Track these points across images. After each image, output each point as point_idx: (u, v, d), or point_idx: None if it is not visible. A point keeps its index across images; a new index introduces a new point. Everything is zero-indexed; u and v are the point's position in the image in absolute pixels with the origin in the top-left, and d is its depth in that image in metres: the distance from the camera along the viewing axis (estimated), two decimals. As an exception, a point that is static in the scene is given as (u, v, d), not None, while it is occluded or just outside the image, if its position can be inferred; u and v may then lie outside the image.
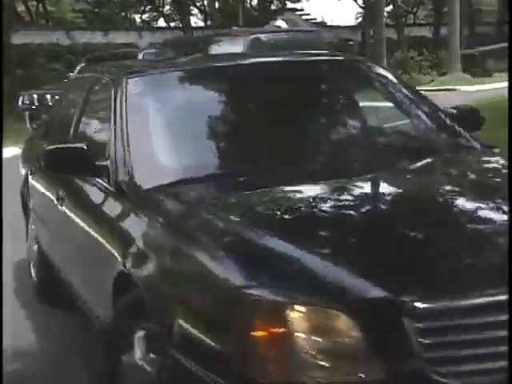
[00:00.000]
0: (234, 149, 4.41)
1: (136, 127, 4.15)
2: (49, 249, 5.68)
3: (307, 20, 36.38)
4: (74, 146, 4.18)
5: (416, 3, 41.15)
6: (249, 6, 36.69)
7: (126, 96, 4.29)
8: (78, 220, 4.45)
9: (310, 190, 3.63)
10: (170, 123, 4.48)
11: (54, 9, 34.53)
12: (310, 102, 4.81)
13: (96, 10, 36.01)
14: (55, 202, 4.92)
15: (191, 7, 36.97)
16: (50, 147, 4.07)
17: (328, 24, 35.82)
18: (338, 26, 35.45)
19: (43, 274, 5.99)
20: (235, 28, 19.68)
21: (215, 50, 13.14)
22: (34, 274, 6.31)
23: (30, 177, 6.12)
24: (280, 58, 5.62)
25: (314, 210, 3.40)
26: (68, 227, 4.75)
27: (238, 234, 3.18)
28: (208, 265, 3.02)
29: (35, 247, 6.15)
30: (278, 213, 3.38)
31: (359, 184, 3.71)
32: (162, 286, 3.24)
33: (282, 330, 2.67)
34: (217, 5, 36.27)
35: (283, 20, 36.13)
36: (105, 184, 4.02)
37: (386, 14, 30.09)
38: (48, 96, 16.47)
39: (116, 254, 3.59)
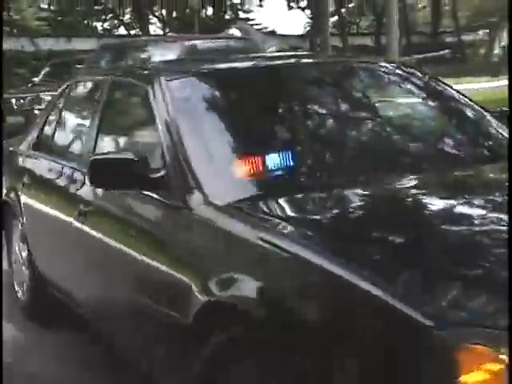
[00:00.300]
0: (314, 155, 3.81)
1: (193, 134, 3.60)
2: (53, 271, 5.02)
3: (259, 29, 36.66)
4: (125, 156, 3.46)
5: (358, 15, 41.86)
6: (204, 15, 37.00)
7: (171, 100, 3.72)
8: (115, 241, 3.77)
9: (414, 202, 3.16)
10: (232, 128, 3.89)
11: (18, 17, 34.56)
12: (367, 104, 4.33)
13: (60, 18, 36.12)
14: (72, 218, 4.28)
15: (150, 16, 37.40)
16: (97, 158, 3.45)
17: (279, 33, 36.49)
18: (289, 35, 35.91)
19: (39, 297, 5.30)
20: (171, 34, 19.86)
21: (151, 54, 11.92)
22: (21, 295, 5.65)
23: (19, 193, 5.39)
24: (321, 60, 5.16)
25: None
26: (96, 248, 4.06)
27: (381, 251, 2.60)
28: (359, 285, 2.38)
29: (26, 269, 5.44)
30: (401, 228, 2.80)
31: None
32: (294, 309, 2.57)
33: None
34: (174, 14, 36.85)
35: (237, 28, 36.48)
36: (161, 199, 3.39)
37: (331, 24, 30.33)
38: (13, 100, 16.21)
39: (192, 284, 2.97)
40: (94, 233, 4.00)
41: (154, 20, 39.23)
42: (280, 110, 4.22)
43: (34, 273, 5.24)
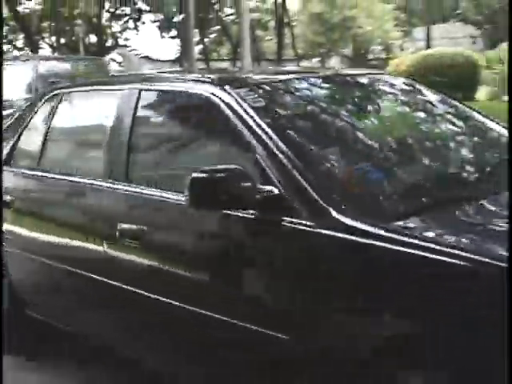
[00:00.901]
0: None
1: (299, 148, 2.91)
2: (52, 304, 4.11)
3: (136, 54, 36.83)
4: (231, 172, 2.68)
5: (219, 44, 42.21)
6: (88, 42, 36.28)
7: (252, 110, 3.01)
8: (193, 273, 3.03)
9: None
10: (330, 140, 3.22)
11: None
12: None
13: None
14: (103, 244, 3.42)
15: (40, 42, 36.98)
16: (200, 176, 2.63)
17: (153, 58, 36.27)
18: (161, 60, 35.86)
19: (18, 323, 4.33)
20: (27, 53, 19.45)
21: (10, 70, 11.85)
22: None
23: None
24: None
25: None
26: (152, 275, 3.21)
27: None
28: None
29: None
30: None
31: None
32: None
33: None
34: (63, 40, 36.65)
35: (118, 54, 36.74)
36: (278, 220, 2.66)
37: (197, 51, 30.75)
38: None
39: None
40: (149, 261, 3.25)
41: (45, 45, 37.82)
42: (356, 120, 3.52)
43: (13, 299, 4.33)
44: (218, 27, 38.01)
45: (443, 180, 3.10)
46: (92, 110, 4.22)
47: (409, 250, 2.33)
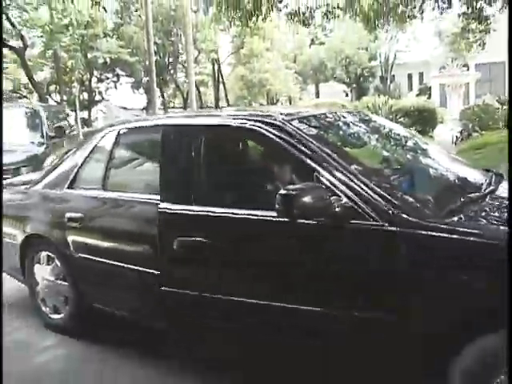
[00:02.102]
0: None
1: (358, 165, 2.65)
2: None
3: (115, 105, 36.38)
4: (313, 188, 2.44)
5: (174, 97, 41.81)
6: (82, 98, 35.07)
7: (311, 138, 2.72)
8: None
9: None
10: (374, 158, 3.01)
11: None
12: None
13: None
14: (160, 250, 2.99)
15: (49, 99, 36.23)
16: (289, 192, 2.37)
17: (128, 107, 36.06)
18: (134, 108, 35.75)
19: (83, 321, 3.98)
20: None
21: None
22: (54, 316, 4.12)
23: (66, 231, 3.76)
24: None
25: None
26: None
27: None
28: None
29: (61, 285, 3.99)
30: None
31: None
32: None
33: None
34: (64, 97, 36.25)
35: (103, 106, 36.06)
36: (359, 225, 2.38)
37: (159, 103, 30.12)
38: None
39: None
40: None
41: (52, 102, 37.13)
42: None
43: (80, 302, 3.87)
44: (173, 85, 37.83)
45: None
46: (148, 142, 3.70)
47: (464, 238, 2.17)
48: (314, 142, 2.71)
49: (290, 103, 37.65)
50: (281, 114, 3.06)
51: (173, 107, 40.61)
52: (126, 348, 3.73)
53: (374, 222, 2.37)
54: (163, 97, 36.52)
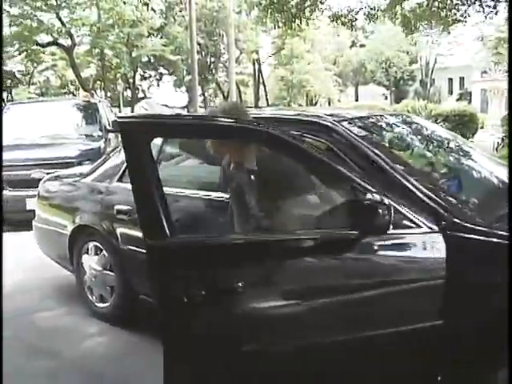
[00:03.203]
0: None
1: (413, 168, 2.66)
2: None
3: (158, 103, 35.92)
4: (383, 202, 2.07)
5: (214, 96, 42.10)
6: (126, 95, 35.70)
7: (367, 143, 2.66)
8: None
9: None
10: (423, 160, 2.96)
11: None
12: None
13: None
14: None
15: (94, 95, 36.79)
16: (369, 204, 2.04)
17: (169, 105, 35.53)
18: (175, 106, 35.19)
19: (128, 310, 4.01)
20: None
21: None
22: (100, 304, 4.16)
23: (115, 224, 3.81)
24: None
25: None
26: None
27: None
28: None
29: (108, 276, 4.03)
30: None
31: None
32: None
33: None
34: (109, 94, 36.95)
35: (146, 103, 35.57)
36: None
37: (200, 101, 30.06)
38: None
39: None
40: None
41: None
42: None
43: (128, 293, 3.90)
44: (214, 84, 37.78)
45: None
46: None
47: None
48: (365, 144, 2.66)
49: (329, 105, 37.47)
50: (326, 115, 3.02)
51: (213, 106, 40.69)
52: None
53: (427, 227, 2.25)
54: (204, 95, 36.59)
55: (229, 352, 2.15)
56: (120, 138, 2.15)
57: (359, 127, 2.90)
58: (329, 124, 2.77)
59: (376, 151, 2.61)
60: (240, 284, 2.04)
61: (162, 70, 36.13)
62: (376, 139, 2.95)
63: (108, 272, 4.12)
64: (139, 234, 3.28)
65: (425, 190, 2.39)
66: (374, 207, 2.04)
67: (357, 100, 39.81)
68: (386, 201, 2.09)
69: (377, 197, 2.09)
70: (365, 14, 13.74)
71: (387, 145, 3.00)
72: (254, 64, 38.95)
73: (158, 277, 2.12)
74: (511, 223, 2.14)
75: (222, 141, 2.56)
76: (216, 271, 2.11)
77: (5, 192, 7.30)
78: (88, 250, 4.25)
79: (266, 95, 39.53)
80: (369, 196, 2.07)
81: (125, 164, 3.77)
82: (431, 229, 2.25)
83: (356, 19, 14.09)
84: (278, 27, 14.70)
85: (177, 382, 2.17)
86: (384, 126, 3.37)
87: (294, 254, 2.19)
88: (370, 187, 2.16)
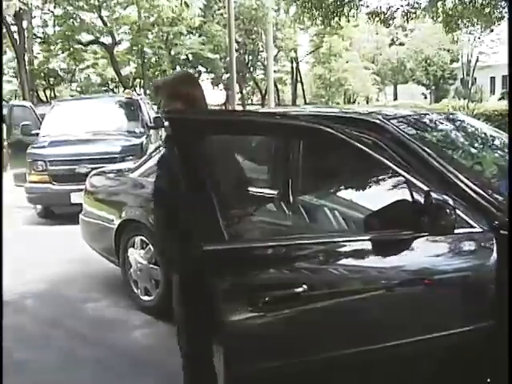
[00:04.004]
0: None
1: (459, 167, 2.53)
2: None
3: None
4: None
5: (252, 94, 42.24)
6: None
7: (406, 138, 2.60)
8: None
9: None
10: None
11: None
12: None
13: None
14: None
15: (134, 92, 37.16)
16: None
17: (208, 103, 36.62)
18: (213, 104, 33.41)
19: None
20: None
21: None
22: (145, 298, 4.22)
23: None
24: None
25: None
26: None
27: None
28: None
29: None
30: None
31: None
32: None
33: None
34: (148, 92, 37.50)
35: None
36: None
37: (237, 99, 29.35)
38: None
39: None
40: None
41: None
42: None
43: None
44: (252, 82, 37.76)
45: None
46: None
47: None
48: (416, 142, 2.60)
49: (367, 104, 37.13)
50: (374, 112, 2.99)
51: (251, 104, 40.88)
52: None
53: (479, 228, 2.19)
54: (242, 93, 36.32)
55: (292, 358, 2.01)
56: (162, 134, 2.04)
57: (408, 125, 2.85)
58: (378, 122, 2.70)
59: (426, 149, 2.57)
60: (303, 288, 1.94)
61: (200, 67, 36.03)
62: (425, 137, 2.91)
63: (153, 266, 4.17)
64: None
65: (477, 189, 2.34)
66: (442, 207, 1.97)
67: (395, 99, 39.24)
68: (450, 200, 2.04)
69: (442, 196, 2.04)
70: (404, 12, 13.57)
71: (436, 143, 2.96)
72: (291, 62, 38.82)
73: (215, 283, 1.97)
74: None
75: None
76: (277, 276, 2.03)
77: (50, 186, 7.68)
78: (134, 243, 4.32)
79: (304, 93, 39.34)
80: (434, 195, 1.99)
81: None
82: (484, 228, 2.19)
83: (395, 17, 13.94)
84: (317, 25, 14.66)
85: None
86: (431, 123, 3.33)
87: (360, 255, 2.14)
88: (430, 187, 2.09)
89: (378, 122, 2.68)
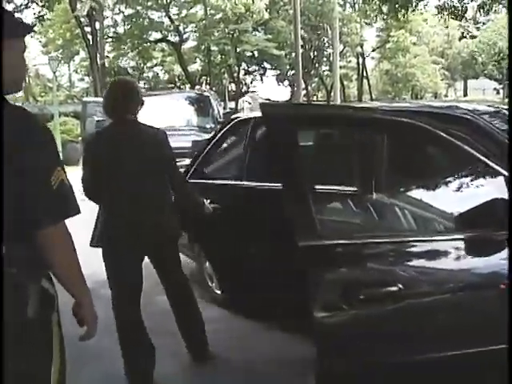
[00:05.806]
0: None
1: None
2: None
3: (261, 97, 37.48)
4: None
5: (317, 90, 42.35)
6: (230, 89, 36.35)
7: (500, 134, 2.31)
8: None
9: None
10: None
11: None
12: None
13: None
14: None
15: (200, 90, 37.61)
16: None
17: (272, 100, 34.84)
18: (278, 100, 34.73)
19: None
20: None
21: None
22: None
23: None
24: None
25: None
26: None
27: None
28: None
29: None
30: None
31: None
32: None
33: None
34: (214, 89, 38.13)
35: (249, 96, 37.37)
36: None
37: (303, 95, 29.39)
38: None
39: None
40: None
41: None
42: None
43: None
44: (317, 78, 37.72)
45: None
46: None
47: None
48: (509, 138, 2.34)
49: (435, 99, 36.14)
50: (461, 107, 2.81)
51: (316, 100, 40.76)
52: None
53: None
54: (307, 89, 36.19)
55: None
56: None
57: (500, 121, 2.64)
58: (469, 117, 2.52)
59: None
60: (398, 287, 1.88)
61: (265, 64, 36.50)
62: None
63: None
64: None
65: None
66: None
67: (465, 95, 37.98)
68: None
69: None
70: (478, 5, 13.14)
71: None
72: (357, 58, 38.40)
73: (310, 280, 1.94)
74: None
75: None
76: (372, 273, 1.99)
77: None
78: (209, 238, 4.27)
79: (370, 89, 38.86)
80: None
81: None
82: None
83: (466, 10, 13.52)
84: (383, 19, 14.42)
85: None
86: None
87: (448, 254, 2.08)
88: None
89: (469, 117, 2.52)
